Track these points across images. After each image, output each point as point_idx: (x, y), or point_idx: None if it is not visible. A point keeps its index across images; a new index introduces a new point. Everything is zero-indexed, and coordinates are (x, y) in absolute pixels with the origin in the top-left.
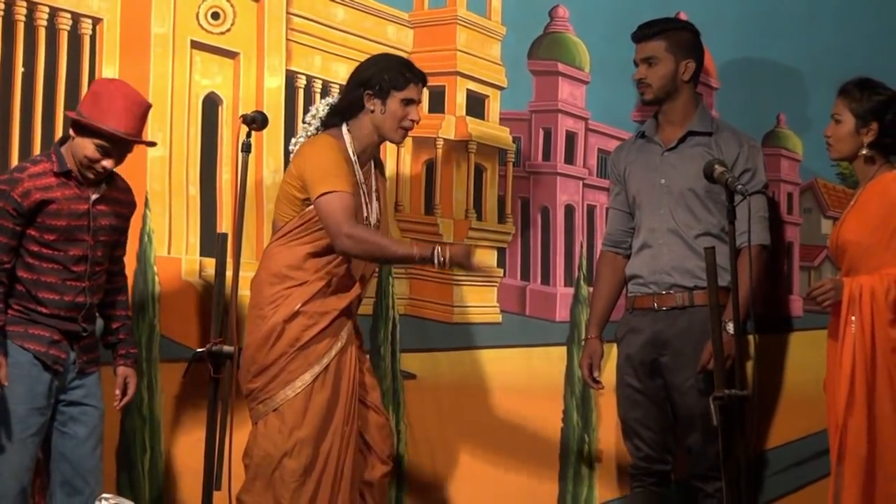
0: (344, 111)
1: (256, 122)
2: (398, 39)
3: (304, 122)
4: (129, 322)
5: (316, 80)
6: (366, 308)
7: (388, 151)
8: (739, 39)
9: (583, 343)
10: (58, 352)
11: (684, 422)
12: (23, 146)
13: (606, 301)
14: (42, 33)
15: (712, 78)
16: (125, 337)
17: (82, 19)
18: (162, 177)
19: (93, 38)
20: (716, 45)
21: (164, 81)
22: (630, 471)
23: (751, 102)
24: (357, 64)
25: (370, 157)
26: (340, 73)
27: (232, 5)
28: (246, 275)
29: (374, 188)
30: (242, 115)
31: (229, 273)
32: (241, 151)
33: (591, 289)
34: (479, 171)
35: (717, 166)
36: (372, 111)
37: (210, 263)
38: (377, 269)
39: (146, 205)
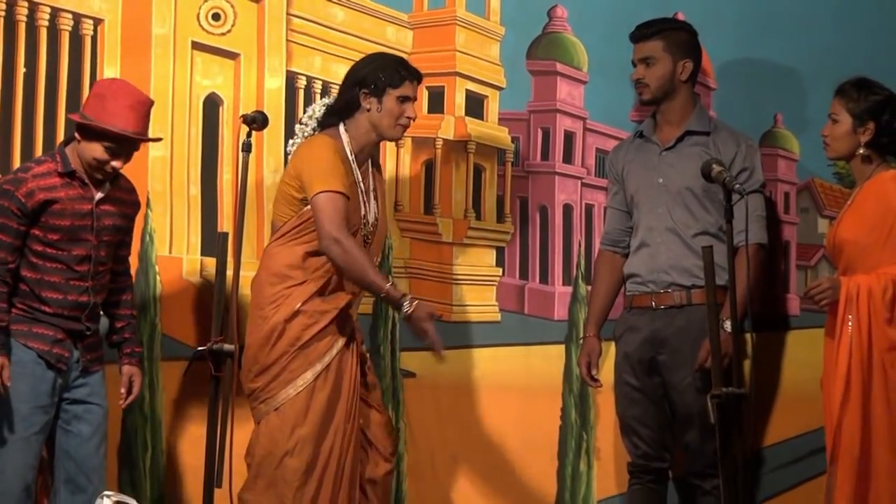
0: (341, 111)
1: (257, 122)
2: (397, 40)
3: (300, 123)
4: (134, 321)
5: (316, 81)
6: (366, 307)
7: (388, 152)
8: (737, 40)
9: (581, 341)
10: (61, 350)
11: (682, 420)
12: (25, 146)
13: (605, 300)
14: (44, 34)
15: (710, 78)
16: (130, 336)
17: (84, 20)
18: (163, 177)
19: (94, 38)
20: (713, 46)
21: (165, 82)
22: (628, 468)
23: (748, 102)
24: None
25: (368, 156)
26: (340, 73)
27: (232, 6)
28: (246, 274)
29: (372, 187)
30: (243, 116)
31: (230, 272)
32: (242, 151)
33: (589, 287)
34: (478, 171)
35: (714, 166)
36: (368, 109)
37: (211, 263)
38: (379, 265)
39: (148, 205)
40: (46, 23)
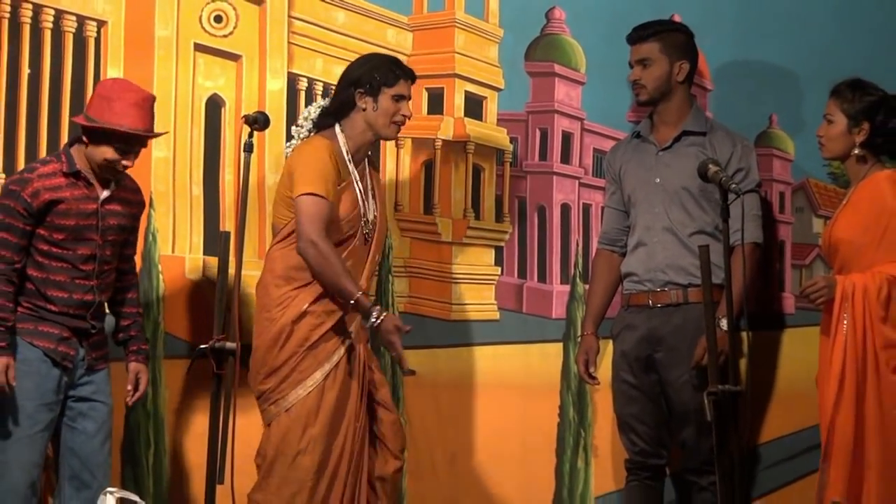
0: (336, 111)
1: (258, 122)
2: (397, 42)
3: (296, 126)
4: (140, 319)
5: (317, 83)
6: None
7: (388, 152)
8: (733, 42)
9: (579, 339)
10: (67, 348)
11: (679, 417)
12: (29, 147)
13: (602, 298)
14: (48, 35)
15: (706, 79)
16: (136, 333)
17: (87, 22)
18: (166, 177)
19: (97, 40)
20: (710, 48)
21: (168, 83)
22: (625, 465)
23: (744, 103)
24: None
25: (364, 155)
26: None
27: (234, 9)
28: (248, 273)
29: (370, 186)
30: (244, 116)
31: (232, 271)
32: (244, 152)
33: (587, 286)
34: (477, 171)
35: (710, 165)
36: (364, 109)
37: (213, 262)
38: (378, 268)
39: (151, 205)
40: (51, 25)
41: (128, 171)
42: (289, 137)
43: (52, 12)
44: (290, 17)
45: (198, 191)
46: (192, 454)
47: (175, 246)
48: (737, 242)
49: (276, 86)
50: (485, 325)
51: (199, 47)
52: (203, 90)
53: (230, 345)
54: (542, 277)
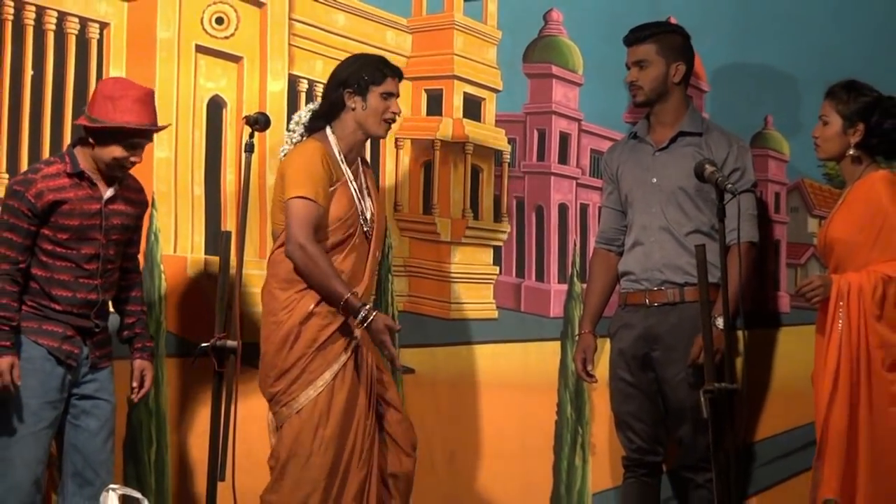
0: (327, 113)
1: (259, 123)
2: (397, 44)
3: (288, 130)
4: (145, 316)
5: (318, 85)
6: None
7: (388, 153)
8: (729, 44)
9: (577, 338)
10: (71, 347)
11: (675, 414)
12: (32, 148)
13: (600, 297)
14: (50, 37)
15: (702, 81)
16: (141, 331)
17: (90, 24)
18: (168, 178)
19: (100, 42)
20: (706, 50)
21: (170, 85)
22: (623, 462)
23: (741, 105)
24: None
25: (357, 155)
26: None
27: (236, 11)
28: (249, 272)
29: (365, 185)
30: (245, 117)
31: (233, 270)
32: (245, 152)
33: (584, 285)
34: (476, 172)
35: (707, 166)
36: (353, 109)
37: (215, 261)
38: (379, 266)
39: (153, 205)
40: (53, 27)
41: (130, 171)
42: None
43: (55, 14)
44: (290, 19)
45: (199, 191)
46: (193, 451)
47: (177, 245)
48: (733, 242)
49: (277, 87)
50: (483, 323)
51: (200, 49)
52: (204, 91)
53: (231, 343)
54: (540, 277)
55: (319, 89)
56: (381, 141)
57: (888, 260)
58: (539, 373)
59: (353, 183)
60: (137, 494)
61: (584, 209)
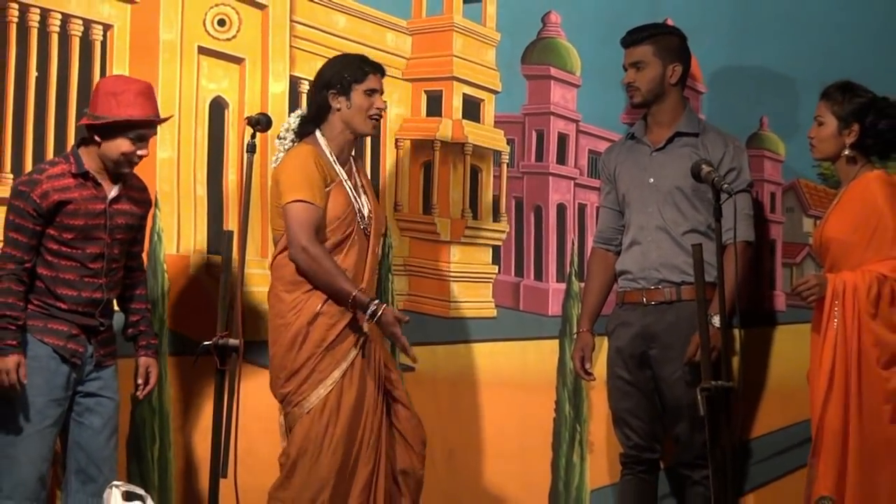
0: (314, 117)
1: (261, 123)
2: (397, 46)
3: (279, 138)
4: (149, 314)
5: None
6: None
7: (388, 153)
8: (726, 45)
9: (575, 336)
10: (76, 345)
11: (672, 412)
12: (36, 148)
13: (597, 296)
14: (55, 39)
15: (698, 82)
16: (146, 329)
17: (93, 26)
18: (171, 178)
19: (104, 43)
20: (703, 51)
21: (173, 86)
22: (620, 459)
23: (739, 106)
24: None
25: (349, 154)
26: None
27: (237, 13)
28: (251, 271)
29: (359, 184)
30: (247, 117)
31: (235, 269)
32: (247, 152)
33: (582, 284)
34: (475, 172)
35: (703, 166)
36: (339, 109)
37: (217, 260)
38: (379, 265)
39: (156, 205)
40: (58, 29)
41: (134, 171)
42: None
43: (59, 17)
44: (291, 21)
45: (202, 191)
46: (196, 448)
47: (180, 245)
48: (729, 241)
49: (279, 88)
50: (482, 322)
51: (202, 50)
52: (207, 92)
53: (233, 341)
54: (539, 276)
55: None
56: (382, 141)
57: (883, 259)
58: (537, 371)
59: (348, 182)
60: (140, 491)
61: (581, 209)
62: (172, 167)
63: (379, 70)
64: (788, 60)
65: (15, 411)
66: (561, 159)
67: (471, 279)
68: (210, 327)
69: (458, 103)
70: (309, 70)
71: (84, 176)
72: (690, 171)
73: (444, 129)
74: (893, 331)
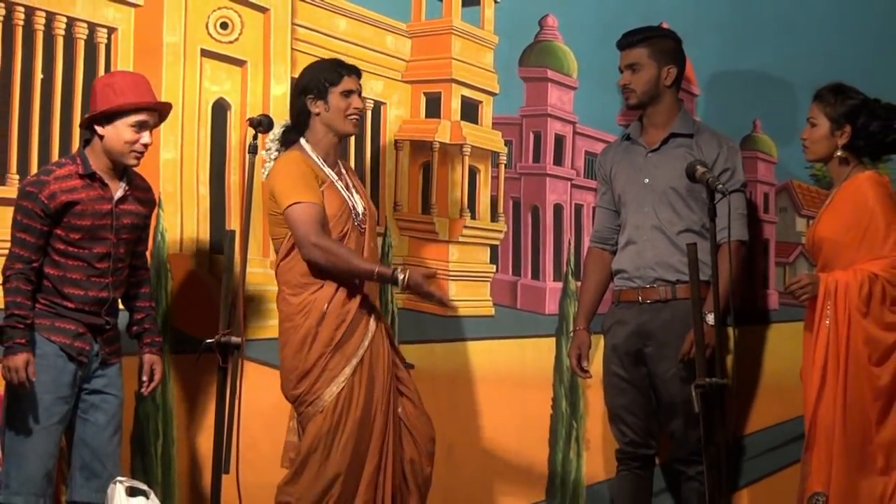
0: (297, 125)
1: (262, 125)
2: (396, 48)
3: (264, 150)
4: (154, 312)
5: None
6: None
7: (388, 154)
8: (721, 47)
9: (571, 334)
10: (82, 344)
11: (667, 409)
12: (42, 150)
13: (594, 295)
14: (60, 42)
15: (693, 85)
16: (150, 326)
17: (98, 29)
18: (174, 178)
19: (108, 46)
20: (699, 54)
21: (176, 88)
22: (616, 455)
23: (734, 108)
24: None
25: (336, 157)
26: None
27: (240, 16)
28: (253, 270)
29: (351, 184)
30: (249, 119)
31: (237, 268)
32: (248, 153)
33: (579, 283)
34: (473, 173)
35: (698, 166)
36: (318, 113)
37: (219, 259)
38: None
39: (159, 205)
40: (63, 32)
41: (138, 171)
42: None
43: (65, 20)
44: (293, 24)
45: (204, 191)
46: (199, 445)
47: (182, 244)
48: (723, 240)
49: (280, 90)
50: (480, 320)
51: (205, 53)
52: (209, 94)
53: (235, 339)
54: (536, 275)
55: None
56: (382, 142)
57: (874, 258)
58: (535, 368)
59: (339, 182)
60: (144, 486)
61: (578, 209)
62: (176, 168)
63: (354, 72)
64: (782, 63)
65: (23, 409)
66: (558, 160)
67: (469, 278)
68: (212, 325)
69: (456, 105)
70: None
71: (91, 177)
72: (685, 171)
73: (443, 130)
74: (885, 329)
